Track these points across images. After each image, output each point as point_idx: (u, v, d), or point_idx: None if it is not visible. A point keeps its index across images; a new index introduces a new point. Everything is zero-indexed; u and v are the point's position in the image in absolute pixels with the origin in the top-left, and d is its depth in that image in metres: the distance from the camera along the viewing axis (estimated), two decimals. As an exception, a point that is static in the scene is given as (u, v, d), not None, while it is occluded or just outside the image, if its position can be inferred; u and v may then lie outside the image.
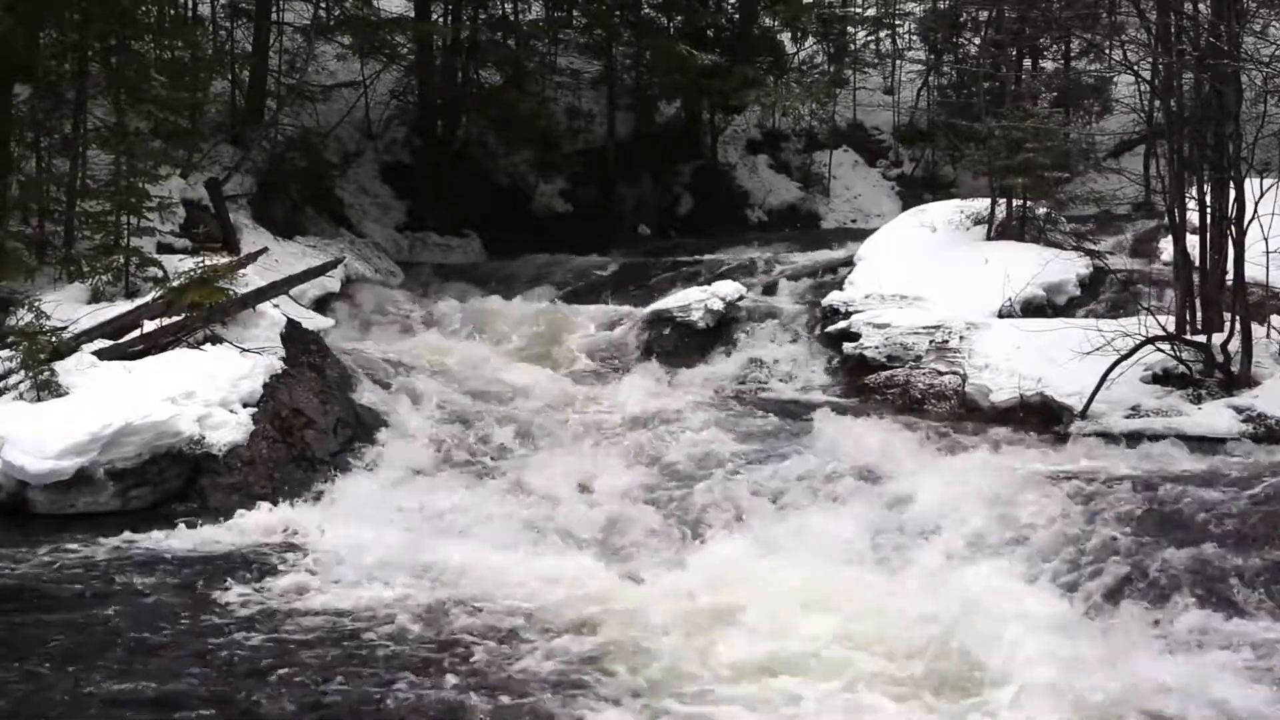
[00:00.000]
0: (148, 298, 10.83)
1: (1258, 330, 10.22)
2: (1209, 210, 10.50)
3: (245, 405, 9.56)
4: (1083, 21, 15.65)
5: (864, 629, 6.52)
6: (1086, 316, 11.91)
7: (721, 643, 6.40)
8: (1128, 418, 9.74)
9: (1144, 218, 16.19)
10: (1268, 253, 10.15)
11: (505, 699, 5.78)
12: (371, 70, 20.95)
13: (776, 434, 10.14)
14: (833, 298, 12.90)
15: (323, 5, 18.91)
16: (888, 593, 7.02)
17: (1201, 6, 10.88)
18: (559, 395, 11.42)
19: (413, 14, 20.90)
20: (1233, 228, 10.16)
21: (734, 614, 6.74)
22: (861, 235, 16.14)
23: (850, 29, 25.17)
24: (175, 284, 10.56)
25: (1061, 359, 10.18)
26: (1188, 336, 10.31)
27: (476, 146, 21.61)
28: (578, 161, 22.46)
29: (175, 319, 10.40)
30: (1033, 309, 12.34)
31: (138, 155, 12.10)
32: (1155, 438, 9.41)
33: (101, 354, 9.93)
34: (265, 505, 8.65)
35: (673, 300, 13.35)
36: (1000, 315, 12.13)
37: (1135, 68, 12.15)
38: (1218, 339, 10.09)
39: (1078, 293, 12.84)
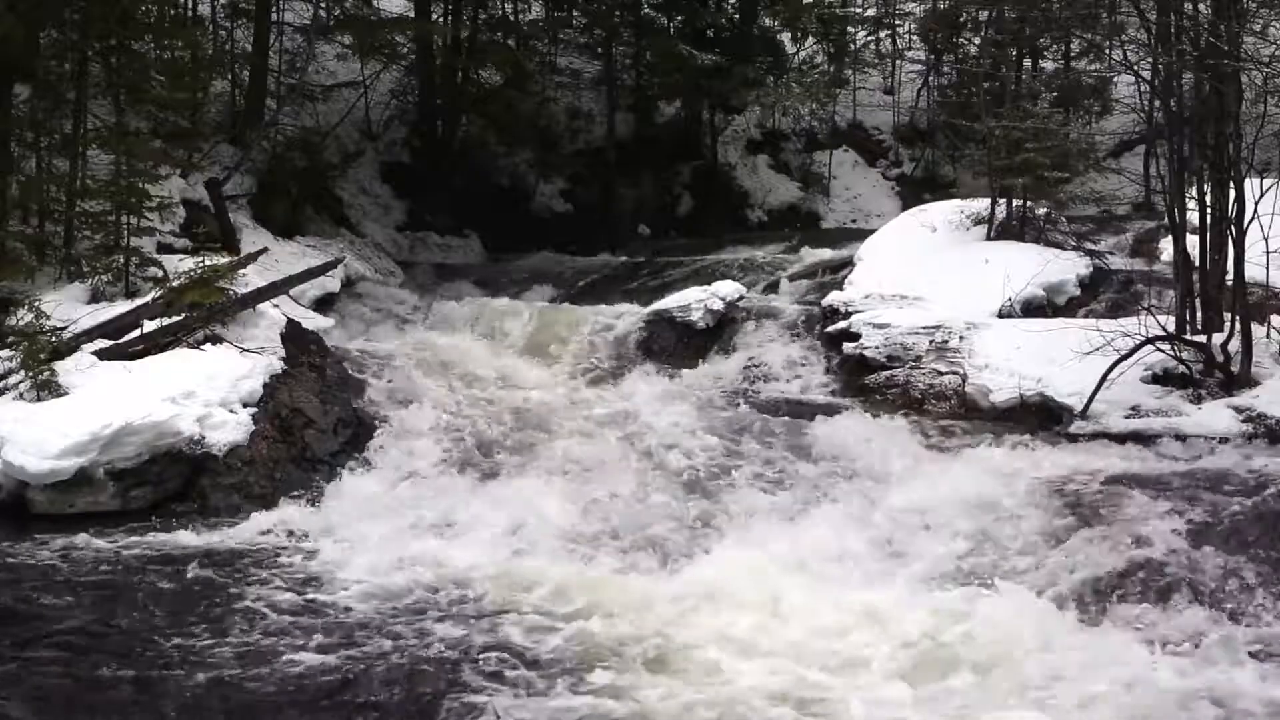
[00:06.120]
0: (148, 298, 10.83)
1: (1258, 330, 10.21)
2: (1209, 210, 10.49)
3: (245, 405, 9.57)
4: (1083, 21, 15.66)
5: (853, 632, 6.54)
6: (1086, 316, 11.89)
7: (721, 643, 6.40)
8: (1127, 418, 9.73)
9: (1144, 218, 16.21)
10: (1268, 253, 10.14)
11: (508, 697, 5.79)
12: (371, 70, 20.94)
13: (776, 434, 10.12)
14: (833, 298, 12.88)
15: (323, 5, 18.89)
16: (880, 596, 7.01)
17: (1201, 6, 10.88)
18: (558, 395, 11.42)
19: (413, 14, 20.90)
20: (1233, 228, 10.15)
21: (732, 616, 6.75)
22: (861, 235, 16.13)
23: (850, 29, 25.17)
24: (175, 284, 10.57)
25: (1061, 359, 10.18)
26: (1188, 336, 10.30)
27: (476, 146, 21.60)
28: (578, 161, 22.46)
29: (175, 319, 10.41)
30: (1033, 309, 12.33)
31: (138, 155, 12.08)
32: (1155, 437, 9.40)
33: (101, 354, 9.94)
34: (265, 505, 8.65)
35: (672, 300, 13.32)
36: (1000, 315, 12.13)
37: (1135, 68, 12.16)
38: (1218, 339, 10.08)
39: (1078, 293, 12.83)
